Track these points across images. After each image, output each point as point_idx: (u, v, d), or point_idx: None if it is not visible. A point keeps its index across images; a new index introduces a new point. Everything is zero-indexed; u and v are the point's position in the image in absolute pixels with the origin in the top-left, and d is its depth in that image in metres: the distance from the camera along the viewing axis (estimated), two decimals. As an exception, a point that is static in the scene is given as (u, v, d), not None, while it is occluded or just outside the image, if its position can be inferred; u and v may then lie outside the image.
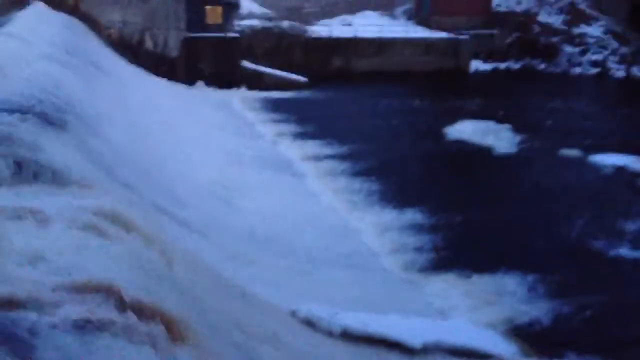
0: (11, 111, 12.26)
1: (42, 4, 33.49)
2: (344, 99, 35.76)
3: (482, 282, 14.99)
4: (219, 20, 36.84)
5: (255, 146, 25.33)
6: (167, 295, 6.29)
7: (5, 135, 9.79)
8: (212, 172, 19.96)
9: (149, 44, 36.15)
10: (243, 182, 19.60)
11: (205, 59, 36.33)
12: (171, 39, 36.16)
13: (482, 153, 26.04)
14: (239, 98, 34.21)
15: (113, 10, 35.59)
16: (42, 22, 28.55)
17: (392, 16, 53.71)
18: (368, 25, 45.29)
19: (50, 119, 12.94)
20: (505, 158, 25.46)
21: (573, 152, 25.74)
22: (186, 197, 15.87)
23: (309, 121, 29.51)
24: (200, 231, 12.64)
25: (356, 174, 22.38)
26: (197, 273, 7.94)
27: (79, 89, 19.60)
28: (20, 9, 29.97)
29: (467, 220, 18.84)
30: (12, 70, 16.90)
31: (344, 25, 47.61)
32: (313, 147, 25.64)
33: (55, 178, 9.07)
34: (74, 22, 33.66)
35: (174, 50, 36.17)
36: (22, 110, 12.33)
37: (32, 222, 7.23)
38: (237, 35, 37.73)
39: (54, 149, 10.73)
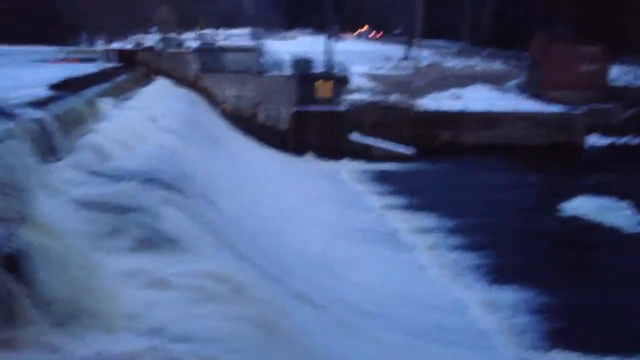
0: (135, 181, 13.01)
1: (165, 79, 35.81)
2: (452, 172, 35.29)
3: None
4: (329, 95, 37.80)
5: (361, 218, 25.28)
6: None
7: (130, 204, 10.37)
8: (319, 242, 20.02)
9: (261, 117, 37.59)
10: (349, 254, 19.51)
11: (314, 131, 37.19)
12: (282, 112, 37.43)
13: (601, 231, 24.64)
14: (346, 170, 34.55)
15: (229, 86, 37.48)
16: (165, 97, 30.46)
17: (503, 90, 53.08)
18: (477, 99, 44.96)
19: (169, 188, 13.57)
20: (628, 237, 23.95)
21: None
22: (293, 266, 15.97)
23: (416, 194, 29.23)
24: (309, 301, 12.61)
25: (465, 248, 21.74)
26: (309, 347, 7.84)
27: (196, 159, 20.54)
28: (146, 84, 32.12)
29: (586, 302, 17.76)
30: (137, 142, 18.01)
31: (452, 99, 47.53)
32: (420, 219, 25.24)
33: (172, 244, 9.42)
34: (193, 96, 35.67)
35: (284, 122, 37.37)
36: (145, 181, 13.05)
37: (150, 288, 7.47)
38: (345, 108, 38.51)
39: (172, 217, 11.18)
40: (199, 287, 7.77)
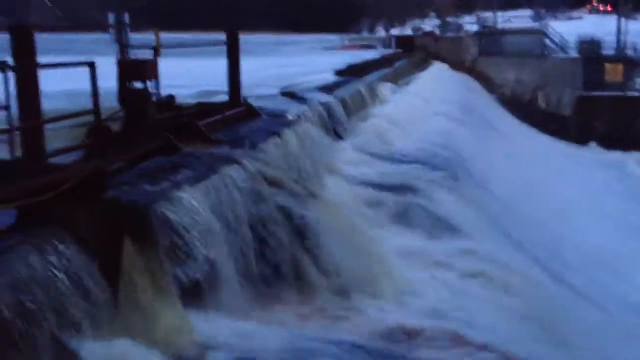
0: (410, 163, 13.43)
1: (442, 64, 36.05)
2: None
3: None
4: (620, 79, 34.65)
5: (653, 214, 22.80)
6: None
7: (407, 186, 10.74)
8: (601, 238, 18.56)
9: (541, 102, 35.87)
10: (637, 253, 17.75)
11: (601, 118, 34.42)
12: (565, 98, 35.26)
13: None
14: (637, 160, 31.42)
15: (508, 70, 36.38)
16: (441, 82, 30.69)
17: None
18: None
19: (444, 171, 13.71)
20: None
21: None
22: (571, 261, 15.05)
23: None
24: (589, 300, 11.80)
25: None
26: (586, 350, 7.36)
27: (470, 144, 20.41)
28: (423, 69, 32.65)
29: None
30: (412, 126, 18.49)
31: None
32: None
33: (447, 227, 9.51)
34: (470, 81, 35.36)
35: (567, 108, 35.19)
36: (421, 164, 13.42)
37: (425, 268, 7.63)
38: (639, 94, 34.95)
39: (446, 200, 11.29)
40: (473, 272, 7.73)
